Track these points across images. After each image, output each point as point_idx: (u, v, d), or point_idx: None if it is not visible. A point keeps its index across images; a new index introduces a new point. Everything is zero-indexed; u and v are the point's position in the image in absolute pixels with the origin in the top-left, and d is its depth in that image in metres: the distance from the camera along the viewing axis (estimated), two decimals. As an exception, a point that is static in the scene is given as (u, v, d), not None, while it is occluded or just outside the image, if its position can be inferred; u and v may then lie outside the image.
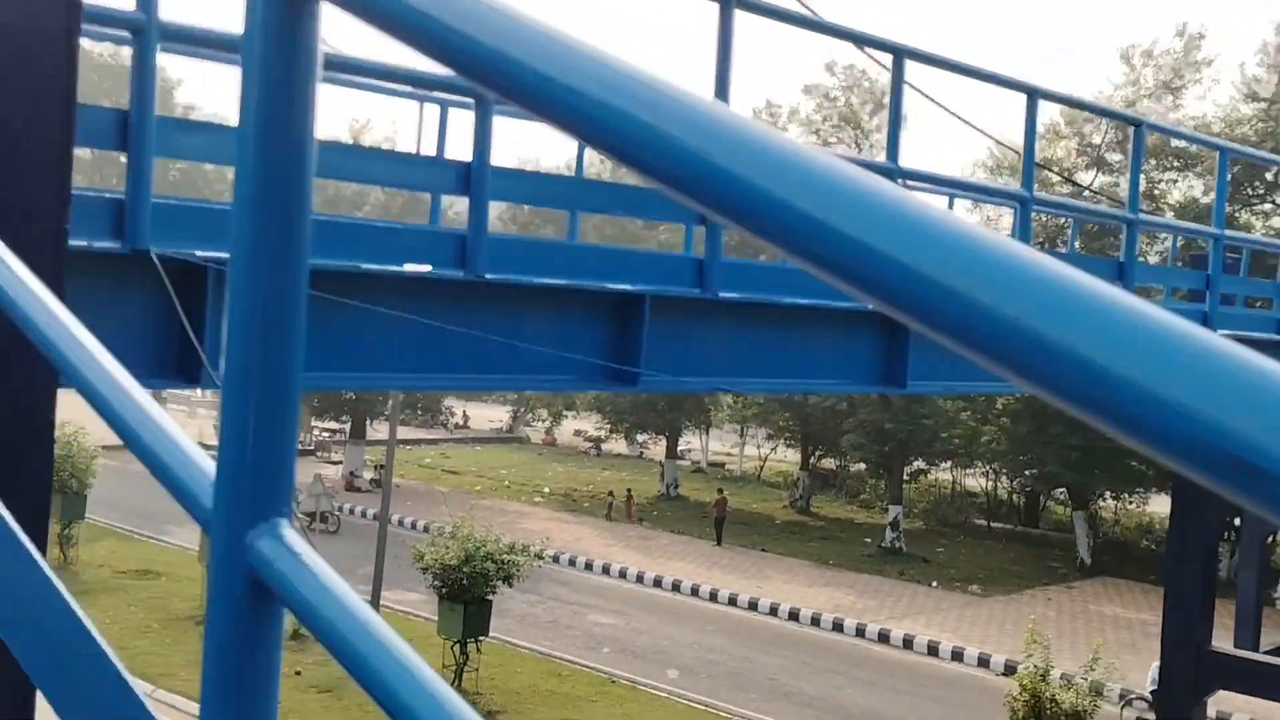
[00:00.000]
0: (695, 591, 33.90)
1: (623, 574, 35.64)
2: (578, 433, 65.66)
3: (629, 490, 46.36)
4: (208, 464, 1.28)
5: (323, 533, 30.25)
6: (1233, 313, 12.70)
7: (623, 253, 7.33)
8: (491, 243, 5.85)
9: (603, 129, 0.78)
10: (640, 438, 58.70)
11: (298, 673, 22.36)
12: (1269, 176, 35.40)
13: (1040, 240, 26.94)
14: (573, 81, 0.79)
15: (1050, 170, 33.48)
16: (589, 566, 36.38)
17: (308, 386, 5.63)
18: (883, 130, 45.45)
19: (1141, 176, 38.94)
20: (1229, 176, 35.70)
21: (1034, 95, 9.01)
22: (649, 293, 6.46)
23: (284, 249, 1.14)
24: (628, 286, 6.48)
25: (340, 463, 49.51)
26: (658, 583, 34.80)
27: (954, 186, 26.52)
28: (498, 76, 0.84)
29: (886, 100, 36.40)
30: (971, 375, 8.35)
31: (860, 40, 8.20)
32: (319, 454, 52.73)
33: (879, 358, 7.80)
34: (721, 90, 6.55)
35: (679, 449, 53.64)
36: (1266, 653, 26.92)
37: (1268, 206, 37.94)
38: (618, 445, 62.79)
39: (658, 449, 55.89)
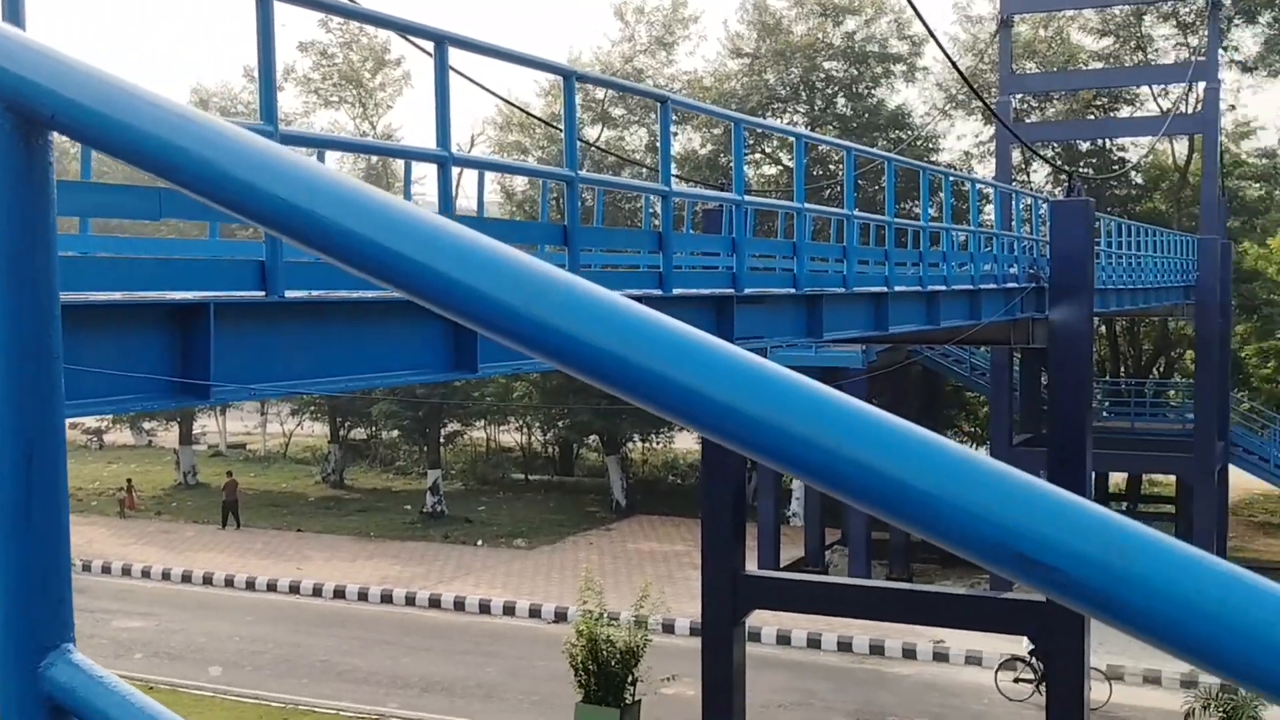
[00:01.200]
0: (230, 582, 32.28)
1: (146, 573, 33.39)
2: (72, 424, 60.23)
3: (129, 480, 43.42)
4: None
5: None
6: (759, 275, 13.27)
7: (184, 262, 6.63)
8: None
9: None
10: (148, 425, 54.85)
11: None
12: (756, 130, 38.01)
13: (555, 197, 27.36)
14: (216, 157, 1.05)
15: (558, 129, 34.20)
16: (107, 569, 33.74)
17: None
18: (388, 89, 44.68)
19: (644, 130, 40.39)
20: (722, 130, 38.25)
21: (570, 77, 8.86)
22: (212, 300, 6.03)
23: (38, 389, 1.23)
24: (189, 295, 6.02)
25: None
26: (187, 578, 32.84)
27: (508, 169, 26.72)
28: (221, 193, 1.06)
29: (389, 57, 35.42)
30: (536, 354, 8.41)
31: (404, 29, 7.78)
32: None
33: (449, 344, 7.71)
34: (267, 78, 6.14)
35: (194, 433, 50.50)
36: (786, 568, 29.29)
37: (758, 156, 40.91)
38: (122, 435, 58.44)
39: (169, 435, 52.43)
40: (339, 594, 31.01)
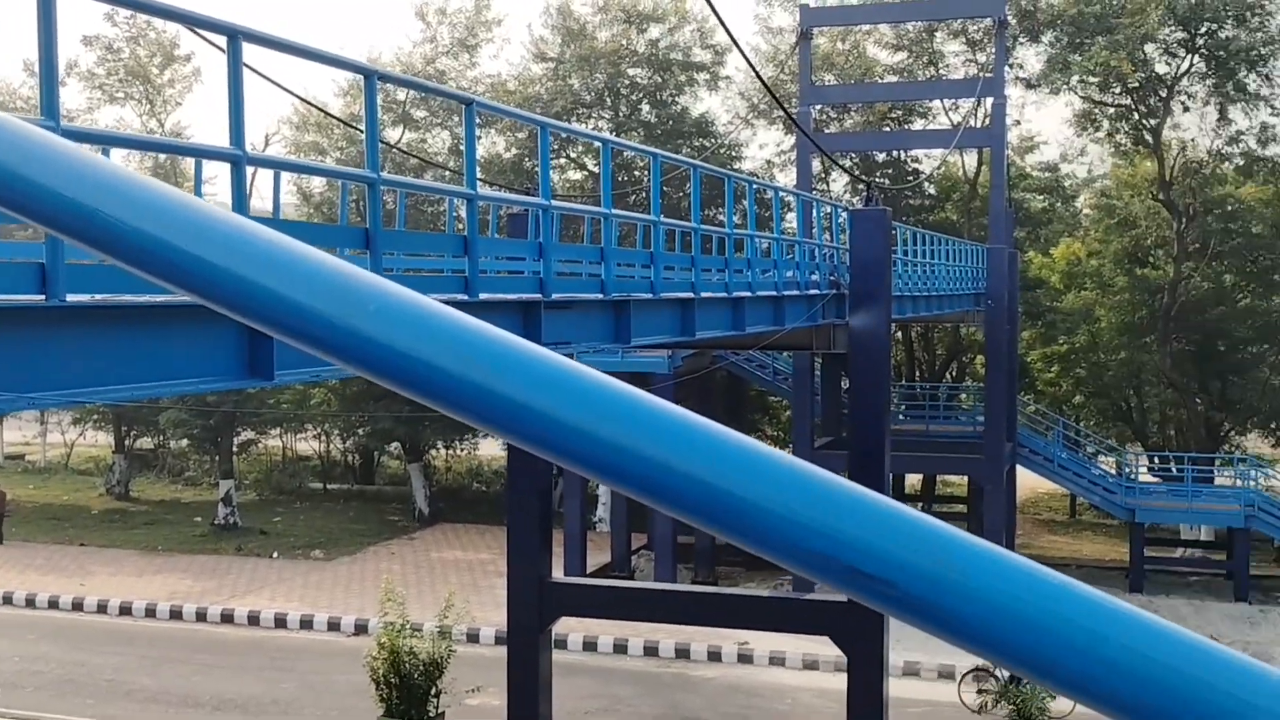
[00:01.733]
0: (9, 599, 30.70)
1: (-84, 593, 31.18)
2: None
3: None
4: None
5: None
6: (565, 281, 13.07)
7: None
8: None
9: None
10: (-84, 436, 51.51)
11: None
12: (562, 134, 37.88)
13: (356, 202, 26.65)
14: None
15: (358, 130, 33.37)
16: None
17: None
18: (177, 85, 43.04)
19: (447, 133, 39.85)
20: (527, 134, 37.99)
21: (372, 77, 8.53)
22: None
23: None
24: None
25: None
26: (-40, 597, 30.80)
27: (306, 170, 25.80)
28: None
29: (178, 53, 34.14)
30: (339, 359, 8.11)
31: (194, 22, 7.37)
32: None
33: (243, 350, 7.33)
34: (49, 73, 5.77)
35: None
36: (593, 574, 29.24)
37: (563, 161, 40.77)
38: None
39: (-60, 447, 49.31)
40: (125, 610, 29.64)
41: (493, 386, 0.89)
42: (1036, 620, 0.82)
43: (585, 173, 41.41)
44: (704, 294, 14.47)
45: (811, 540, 0.84)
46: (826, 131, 38.39)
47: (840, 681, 17.73)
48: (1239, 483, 32.03)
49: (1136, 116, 37.43)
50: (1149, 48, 35.89)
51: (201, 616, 29.09)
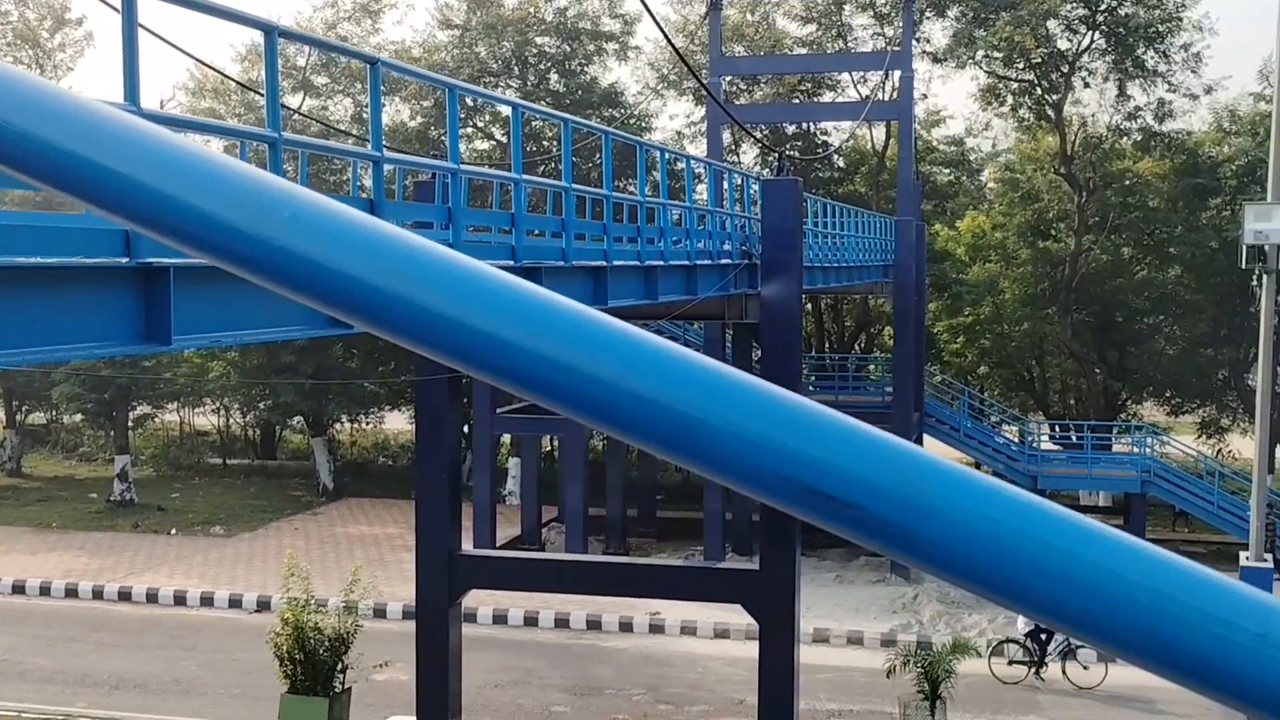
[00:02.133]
0: (-106, 582, 29.36)
1: None
2: None
3: None
4: None
5: None
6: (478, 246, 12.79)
7: None
8: None
9: None
10: None
11: None
12: (470, 101, 37.34)
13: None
14: None
15: (258, 94, 32.52)
16: None
17: None
18: (67, 49, 41.82)
19: (349, 100, 38.96)
20: (432, 102, 37.40)
21: (272, 33, 8.15)
22: None
23: None
24: None
25: None
26: None
27: (204, 129, 24.91)
28: None
29: (69, 16, 32.98)
30: (243, 324, 7.85)
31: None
32: None
33: (138, 314, 6.93)
34: None
35: None
36: (503, 547, 28.99)
37: (470, 130, 40.21)
38: None
39: None
40: (18, 589, 28.76)
41: (422, 300, 0.80)
42: (1007, 541, 0.77)
43: (493, 143, 40.87)
44: (616, 262, 14.27)
45: (768, 461, 0.78)
46: (737, 103, 38.31)
47: (751, 649, 17.74)
48: (1136, 450, 32.75)
49: (1039, 92, 37.91)
50: (1051, 24, 36.34)
51: (98, 594, 28.33)
